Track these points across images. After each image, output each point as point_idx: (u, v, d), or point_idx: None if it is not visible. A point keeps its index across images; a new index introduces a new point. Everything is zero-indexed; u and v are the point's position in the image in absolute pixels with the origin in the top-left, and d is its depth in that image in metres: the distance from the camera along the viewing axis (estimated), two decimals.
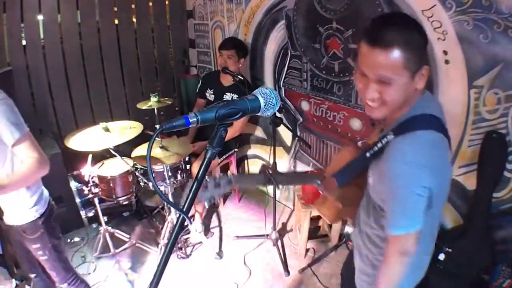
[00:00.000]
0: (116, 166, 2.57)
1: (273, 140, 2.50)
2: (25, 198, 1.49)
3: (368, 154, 1.04)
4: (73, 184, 2.62)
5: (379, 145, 1.00)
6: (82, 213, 2.69)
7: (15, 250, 1.65)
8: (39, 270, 1.70)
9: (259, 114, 0.80)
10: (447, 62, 1.84)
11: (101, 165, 2.62)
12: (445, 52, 1.83)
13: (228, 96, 2.90)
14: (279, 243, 2.68)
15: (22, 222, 1.52)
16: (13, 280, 1.56)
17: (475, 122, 1.81)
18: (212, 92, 3.01)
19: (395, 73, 0.88)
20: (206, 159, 0.74)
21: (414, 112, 0.97)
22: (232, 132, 2.90)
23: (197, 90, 3.14)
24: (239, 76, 2.65)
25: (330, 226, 2.76)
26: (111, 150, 2.33)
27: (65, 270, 1.70)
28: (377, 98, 0.93)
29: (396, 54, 0.86)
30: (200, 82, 3.13)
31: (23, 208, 1.50)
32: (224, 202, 3.38)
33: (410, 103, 0.98)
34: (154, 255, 2.63)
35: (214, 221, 3.12)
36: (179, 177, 2.52)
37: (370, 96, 0.94)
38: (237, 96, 2.82)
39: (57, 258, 1.64)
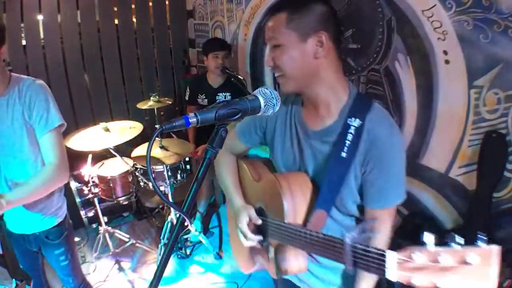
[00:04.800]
0: (116, 166, 2.57)
1: None
2: (54, 201, 1.47)
3: (344, 154, 0.90)
4: (73, 184, 2.61)
5: (350, 137, 0.90)
6: (82, 213, 2.69)
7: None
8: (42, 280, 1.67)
9: (259, 114, 0.80)
10: (447, 62, 1.84)
11: (101, 165, 2.62)
12: (445, 52, 1.83)
13: (221, 96, 2.80)
14: None
15: (47, 227, 1.47)
16: (13, 280, 1.56)
17: (475, 122, 1.81)
18: (204, 97, 2.85)
19: (278, 32, 0.91)
20: (206, 159, 0.74)
21: (351, 95, 0.96)
22: None
23: (187, 98, 2.95)
24: (238, 76, 2.64)
25: None
26: (111, 150, 2.33)
27: (81, 274, 1.68)
28: (273, 65, 0.94)
29: (279, 15, 0.91)
30: (188, 90, 2.93)
31: (50, 212, 1.46)
32: (224, 202, 3.38)
33: (341, 89, 0.95)
34: (154, 255, 2.63)
35: (214, 221, 3.12)
36: (179, 177, 2.52)
37: (266, 61, 0.96)
38: (229, 94, 2.74)
39: (76, 261, 1.62)
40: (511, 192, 1.77)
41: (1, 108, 1.30)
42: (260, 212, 1.09)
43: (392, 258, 0.60)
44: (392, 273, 0.60)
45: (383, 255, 0.62)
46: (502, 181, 1.77)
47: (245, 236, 1.06)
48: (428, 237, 0.56)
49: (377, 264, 0.64)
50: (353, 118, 0.91)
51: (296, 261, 0.98)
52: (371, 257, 0.65)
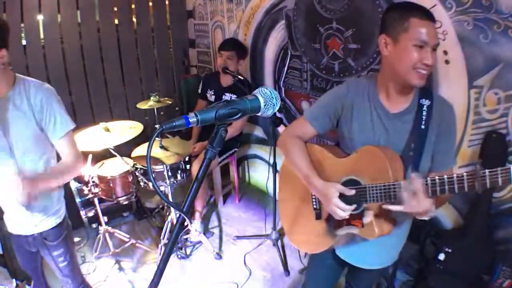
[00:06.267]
0: (116, 166, 2.57)
1: (273, 140, 2.50)
2: (53, 202, 1.48)
3: (423, 126, 1.16)
4: (73, 184, 2.61)
5: (424, 113, 1.17)
6: (82, 213, 2.69)
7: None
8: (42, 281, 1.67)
9: (259, 114, 0.80)
10: (447, 62, 1.84)
11: (101, 165, 2.62)
12: (445, 52, 1.83)
13: (227, 97, 2.92)
14: (279, 243, 2.68)
15: (46, 228, 1.47)
16: (13, 280, 1.55)
17: (475, 122, 1.81)
18: (212, 93, 3.02)
19: (439, 40, 1.10)
20: (206, 159, 0.74)
21: None
22: (231, 132, 2.90)
23: (199, 91, 3.15)
24: (239, 76, 2.66)
25: None
26: (111, 150, 2.33)
27: (80, 275, 1.67)
28: (434, 63, 1.09)
29: (433, 23, 1.10)
30: (201, 83, 3.14)
31: (50, 213, 1.46)
32: (224, 202, 3.39)
33: None
34: (154, 255, 2.63)
35: (214, 221, 3.12)
36: (179, 177, 2.52)
37: (432, 61, 1.07)
38: (236, 96, 2.83)
39: (75, 261, 1.62)
40: (511, 192, 1.77)
41: (6, 108, 1.30)
42: (348, 184, 1.23)
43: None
44: None
45: (508, 168, 0.89)
46: None
47: (341, 208, 1.18)
48: None
49: (504, 176, 0.90)
50: (424, 99, 1.18)
51: (387, 222, 1.18)
52: (500, 175, 0.91)
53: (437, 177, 1.02)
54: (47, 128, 1.37)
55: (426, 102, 1.18)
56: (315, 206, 1.37)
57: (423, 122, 1.16)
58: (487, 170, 0.92)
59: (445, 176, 1.00)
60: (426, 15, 1.09)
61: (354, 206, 1.19)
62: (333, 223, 1.28)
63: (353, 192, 1.20)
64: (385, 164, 1.12)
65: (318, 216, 1.36)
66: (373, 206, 1.18)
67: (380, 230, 1.16)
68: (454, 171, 1.93)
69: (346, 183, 1.24)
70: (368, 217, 1.18)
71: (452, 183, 0.99)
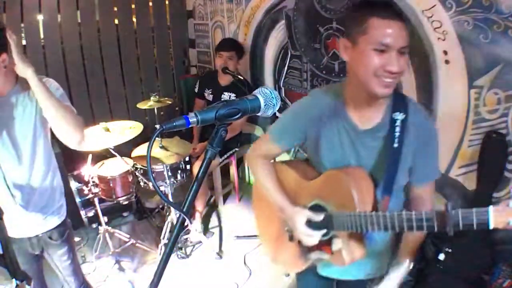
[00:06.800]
0: (116, 166, 2.57)
1: None
2: (55, 199, 1.48)
3: (396, 145, 1.04)
4: (73, 184, 2.61)
5: (397, 129, 1.04)
6: (82, 213, 2.69)
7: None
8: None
9: (259, 114, 0.80)
10: (447, 62, 1.84)
11: (101, 165, 2.62)
12: (445, 52, 1.83)
13: (226, 96, 2.92)
14: None
15: (50, 227, 1.46)
16: (13, 280, 1.55)
17: (475, 122, 1.81)
18: (210, 92, 3.03)
19: (407, 38, 0.94)
20: (206, 159, 0.74)
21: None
22: (230, 132, 2.90)
23: (196, 90, 3.15)
24: (239, 76, 2.67)
25: None
26: (111, 150, 2.33)
27: (81, 274, 1.67)
28: (400, 70, 0.95)
29: (402, 23, 0.94)
30: (198, 82, 3.14)
31: (52, 211, 1.46)
32: (224, 202, 3.38)
33: None
34: (154, 255, 2.63)
35: (214, 221, 3.12)
36: (179, 177, 2.52)
37: (397, 68, 0.94)
38: (234, 95, 2.84)
39: (77, 261, 1.62)
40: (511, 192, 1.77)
41: (8, 105, 1.30)
42: (315, 209, 1.14)
43: (492, 211, 0.77)
44: (493, 223, 0.76)
45: (486, 211, 0.77)
46: (502, 181, 1.77)
47: (309, 235, 1.11)
48: None
49: (481, 220, 0.78)
50: (397, 113, 1.05)
51: (358, 248, 1.08)
52: (474, 217, 0.79)
53: (404, 212, 0.91)
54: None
55: (399, 116, 1.05)
56: (287, 228, 1.28)
57: (396, 140, 1.04)
58: (459, 210, 0.81)
59: (413, 212, 0.90)
60: (390, 13, 0.93)
61: (322, 232, 1.11)
62: (305, 247, 1.20)
63: (321, 218, 1.11)
64: (350, 193, 1.01)
65: (291, 238, 1.26)
66: (342, 234, 1.09)
67: (350, 257, 1.07)
68: (454, 170, 1.95)
69: (314, 208, 1.16)
70: (337, 245, 1.10)
71: (421, 220, 0.88)
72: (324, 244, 1.13)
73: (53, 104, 1.26)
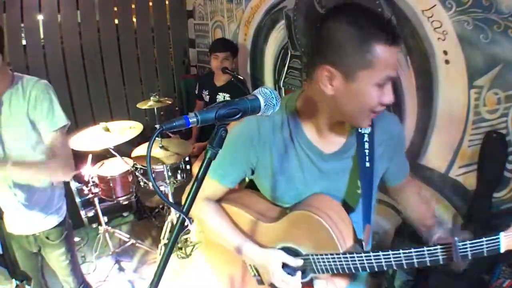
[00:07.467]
0: (116, 166, 2.57)
1: None
2: (54, 200, 1.47)
3: (368, 164, 0.94)
4: (73, 184, 2.61)
5: (366, 145, 0.94)
6: (82, 213, 2.69)
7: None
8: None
9: (259, 114, 0.80)
10: (447, 62, 1.84)
11: (101, 165, 2.62)
12: (445, 52, 1.83)
13: (220, 96, 2.91)
14: None
15: (48, 227, 1.46)
16: (13, 280, 1.55)
17: (475, 122, 1.81)
18: (207, 93, 3.02)
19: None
20: (206, 159, 0.74)
21: None
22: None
23: (196, 92, 3.15)
24: (238, 76, 2.66)
25: None
26: (111, 150, 2.33)
27: (81, 274, 1.68)
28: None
29: (398, 48, 0.81)
30: (197, 84, 3.14)
31: (51, 212, 1.46)
32: None
33: None
34: (154, 255, 2.62)
35: None
36: (179, 177, 2.52)
37: (391, 99, 0.82)
38: (229, 95, 2.84)
39: (76, 261, 1.62)
40: (511, 192, 1.77)
41: (4, 105, 1.30)
42: (286, 252, 1.00)
43: (503, 237, 0.76)
44: (504, 247, 0.76)
45: (497, 237, 0.76)
46: (502, 181, 1.77)
47: (287, 282, 0.97)
48: None
49: (491, 246, 0.77)
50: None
51: (343, 278, 1.01)
52: (484, 245, 0.77)
53: (402, 251, 0.83)
54: (40, 122, 1.33)
55: (366, 130, 0.95)
56: (253, 273, 1.12)
57: (367, 158, 0.94)
58: (468, 242, 0.77)
59: (413, 250, 0.82)
60: (395, 35, 0.77)
61: (299, 276, 0.98)
62: None
63: (300, 263, 0.97)
64: (328, 232, 0.90)
65: (261, 282, 1.12)
66: (322, 276, 0.99)
67: None
68: (454, 170, 1.94)
69: (284, 251, 1.01)
70: (321, 285, 1.01)
71: (423, 256, 0.81)
72: (305, 286, 1.01)
73: (35, 177, 1.35)
